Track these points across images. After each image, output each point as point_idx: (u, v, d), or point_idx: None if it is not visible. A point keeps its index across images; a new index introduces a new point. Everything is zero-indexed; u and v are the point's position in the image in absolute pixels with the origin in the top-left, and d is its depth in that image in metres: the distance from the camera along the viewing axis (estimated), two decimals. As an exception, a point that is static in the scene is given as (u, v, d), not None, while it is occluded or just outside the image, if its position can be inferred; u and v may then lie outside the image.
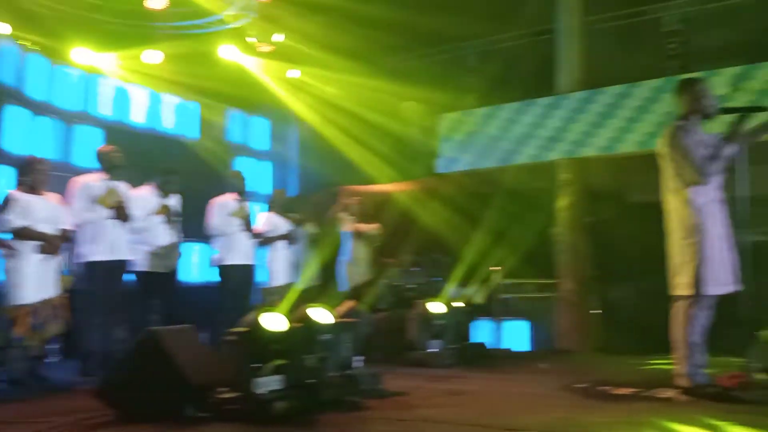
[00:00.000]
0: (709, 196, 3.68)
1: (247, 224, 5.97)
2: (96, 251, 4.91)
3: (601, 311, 7.69)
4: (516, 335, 7.35)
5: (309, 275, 6.79)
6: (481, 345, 6.03)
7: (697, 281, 3.58)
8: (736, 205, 3.76)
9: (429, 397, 3.84)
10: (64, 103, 7.01)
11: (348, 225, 7.10)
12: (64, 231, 4.72)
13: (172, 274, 5.64)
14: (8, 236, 4.50)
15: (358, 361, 4.06)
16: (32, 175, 4.64)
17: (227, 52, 7.53)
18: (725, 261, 3.66)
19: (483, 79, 8.25)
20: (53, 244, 4.55)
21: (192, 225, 5.99)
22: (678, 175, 3.71)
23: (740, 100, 6.46)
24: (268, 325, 3.41)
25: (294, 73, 8.18)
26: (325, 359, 3.79)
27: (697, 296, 3.61)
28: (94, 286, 4.87)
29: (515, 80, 8.12)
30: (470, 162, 8.14)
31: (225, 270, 5.95)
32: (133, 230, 5.21)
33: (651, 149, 6.61)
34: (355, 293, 6.47)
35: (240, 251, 5.96)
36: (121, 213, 4.96)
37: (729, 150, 3.70)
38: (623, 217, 8.65)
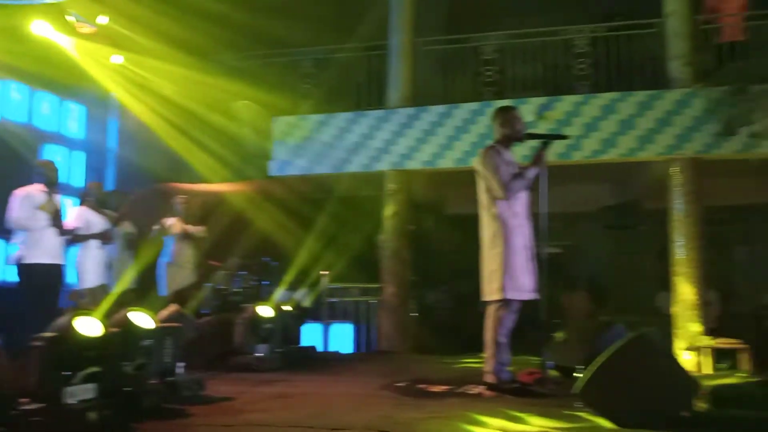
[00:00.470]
0: (515, 211, 4.10)
1: (56, 219, 5.43)
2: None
3: (419, 314, 8.18)
4: (342, 338, 7.54)
5: (126, 277, 6.34)
6: (310, 348, 6.09)
7: (504, 287, 3.97)
8: (537, 221, 4.21)
9: (255, 401, 3.80)
10: None
11: (172, 225, 6.77)
12: None
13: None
14: None
15: (180, 368, 3.91)
16: None
17: (40, 29, 6.79)
18: (527, 270, 4.10)
19: (318, 87, 8.38)
20: None
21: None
22: (488, 191, 4.11)
23: (543, 128, 7.31)
24: (81, 330, 3.15)
25: (118, 59, 7.61)
26: (144, 366, 3.60)
27: (504, 301, 4.00)
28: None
29: (349, 91, 8.36)
30: (303, 167, 8.19)
31: (27, 269, 5.35)
32: None
33: (467, 166, 7.21)
34: (178, 297, 6.19)
35: (46, 249, 5.40)
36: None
37: (532, 172, 4.16)
38: (441, 227, 9.29)
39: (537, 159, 4.18)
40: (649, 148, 7.39)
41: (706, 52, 7.60)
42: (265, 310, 5.37)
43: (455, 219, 8.83)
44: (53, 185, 5.53)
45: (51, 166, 5.61)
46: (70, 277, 5.93)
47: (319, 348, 6.77)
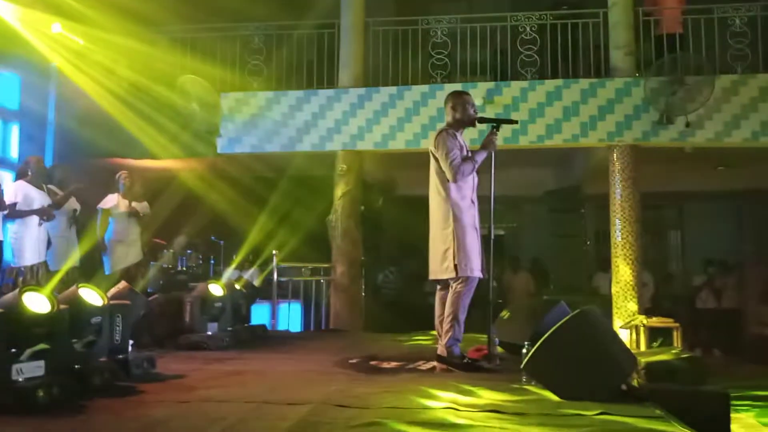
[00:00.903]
0: (464, 193, 4.19)
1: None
2: None
3: (369, 293, 8.27)
4: (293, 317, 7.56)
5: (70, 255, 6.15)
6: (261, 327, 6.08)
7: (459, 265, 4.06)
8: (484, 204, 4.32)
9: (208, 378, 3.79)
10: None
11: (118, 202, 6.59)
12: None
13: None
14: None
15: (130, 345, 3.85)
16: None
17: (-28, -5, 6.43)
18: (478, 250, 4.21)
19: (269, 63, 8.26)
20: None
21: None
22: (439, 173, 4.18)
23: (491, 112, 7.47)
24: (29, 306, 3.07)
25: (57, 27, 7.26)
26: (94, 343, 3.53)
27: (463, 278, 4.09)
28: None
29: (300, 69, 8.28)
30: (253, 145, 8.10)
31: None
32: None
33: (418, 148, 7.29)
34: (126, 275, 6.06)
35: (-21, 225, 5.19)
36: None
37: (482, 156, 4.25)
38: (392, 208, 9.38)
39: (487, 143, 4.27)
40: (591, 134, 7.66)
41: (647, 43, 7.91)
42: (215, 289, 5.32)
43: (405, 200, 8.94)
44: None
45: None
46: (7, 254, 5.70)
47: (269, 327, 6.76)
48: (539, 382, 3.42)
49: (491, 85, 7.89)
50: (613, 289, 7.48)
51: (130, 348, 3.83)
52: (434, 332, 4.47)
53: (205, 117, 7.85)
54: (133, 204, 6.63)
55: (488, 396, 3.27)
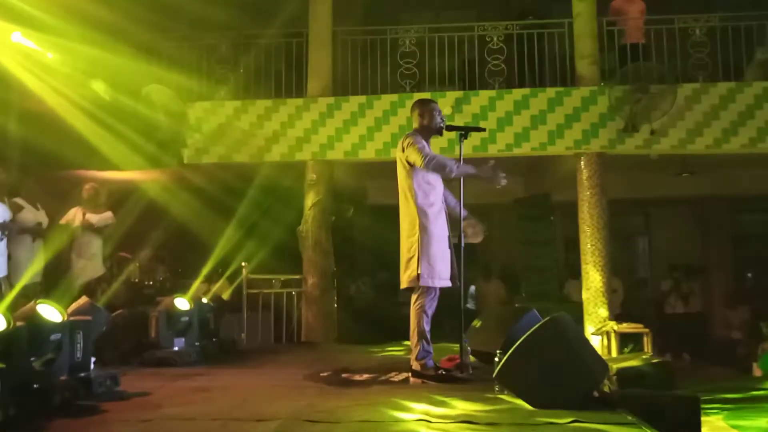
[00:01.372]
0: (431, 201, 4.15)
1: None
2: None
3: (341, 305, 8.19)
4: (264, 329, 7.43)
5: (31, 270, 5.96)
6: (230, 341, 5.96)
7: (421, 275, 4.00)
8: (453, 213, 4.28)
9: (173, 395, 3.68)
10: None
11: (80, 214, 6.42)
12: None
13: None
14: None
15: (92, 363, 3.72)
16: None
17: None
18: (445, 258, 4.16)
19: (236, 72, 8.17)
20: None
21: None
22: (407, 179, 4.11)
23: (460, 121, 7.49)
24: (-17, 325, 2.94)
25: (17, 36, 7.05)
26: (53, 361, 3.40)
27: (422, 288, 4.04)
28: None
29: (268, 78, 8.21)
30: (221, 155, 7.98)
31: None
32: None
33: (388, 158, 7.27)
34: (88, 290, 5.88)
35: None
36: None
37: (471, 168, 4.11)
38: (363, 218, 9.33)
39: (488, 171, 4.12)
40: (558, 142, 7.74)
41: (611, 53, 8.05)
42: (181, 303, 5.19)
43: (376, 210, 8.89)
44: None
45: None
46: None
47: (239, 341, 6.63)
48: (511, 390, 3.40)
49: (459, 94, 7.93)
50: (584, 296, 7.54)
51: (92, 365, 3.70)
52: (408, 342, 4.42)
53: (171, 127, 7.70)
54: (87, 216, 6.44)
55: (461, 406, 3.24)
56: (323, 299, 7.67)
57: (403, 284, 4.13)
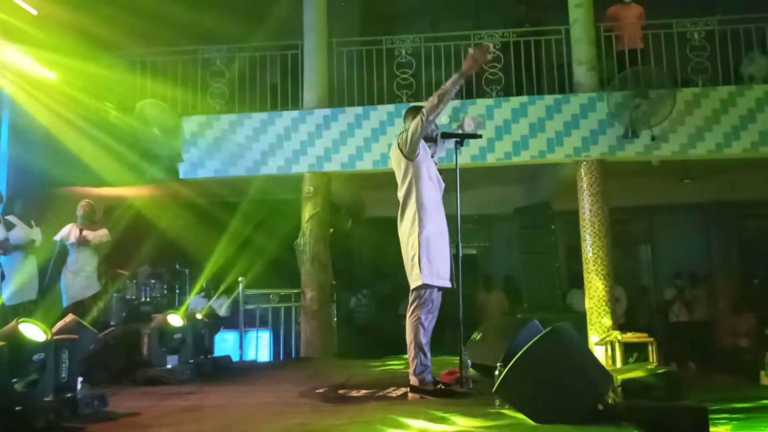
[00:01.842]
0: (432, 197, 4.03)
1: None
2: None
3: (341, 318, 8.06)
4: (260, 346, 7.30)
5: (22, 289, 5.86)
6: (225, 358, 5.83)
7: (422, 272, 3.85)
8: (452, 223, 4.17)
9: (163, 415, 3.56)
10: None
11: (76, 230, 6.33)
12: None
13: None
14: None
15: (79, 382, 3.61)
16: None
17: None
18: (444, 256, 4.01)
19: (231, 85, 8.11)
20: None
21: None
22: (406, 176, 3.98)
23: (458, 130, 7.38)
24: (-38, 346, 2.83)
25: (7, 51, 6.99)
26: (37, 382, 3.29)
27: (424, 287, 3.88)
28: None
29: (264, 90, 8.15)
30: (216, 169, 7.90)
31: None
32: None
33: (386, 168, 7.16)
34: (77, 307, 5.78)
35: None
36: None
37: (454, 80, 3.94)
38: (361, 230, 9.23)
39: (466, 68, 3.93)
40: (558, 150, 7.65)
41: (609, 59, 7.97)
42: (174, 320, 5.08)
43: (375, 222, 8.80)
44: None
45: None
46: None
47: (236, 357, 6.50)
48: (512, 405, 3.27)
49: (457, 103, 7.84)
50: (587, 305, 7.40)
51: (78, 385, 3.59)
52: (407, 356, 4.29)
53: (167, 142, 7.64)
54: (84, 233, 6.36)
55: (461, 422, 3.12)
56: (322, 313, 7.54)
57: (414, 284, 3.95)
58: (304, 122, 7.91)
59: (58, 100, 7.13)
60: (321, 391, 4.29)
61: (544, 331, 3.35)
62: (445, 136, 4.31)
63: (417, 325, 3.91)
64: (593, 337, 7.14)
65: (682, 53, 7.73)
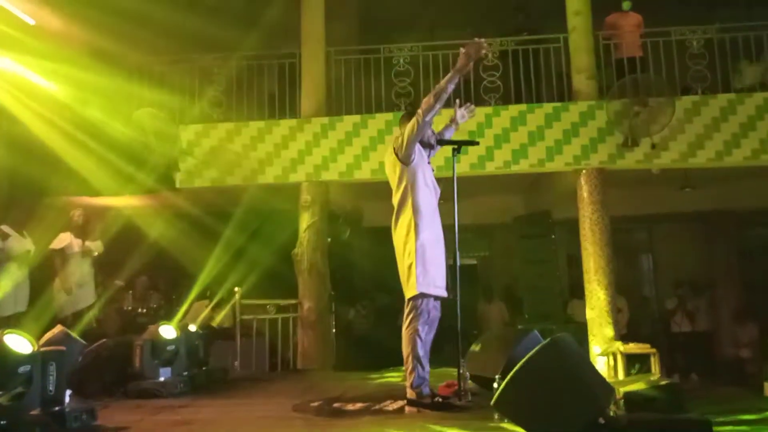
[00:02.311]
0: (428, 203, 3.95)
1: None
2: None
3: (339, 330, 7.96)
4: (257, 357, 7.20)
5: (15, 299, 5.79)
6: (221, 370, 5.74)
7: (418, 281, 3.76)
8: (449, 233, 4.09)
9: (154, 429, 3.48)
10: None
11: (71, 241, 6.27)
12: None
13: None
14: None
15: (67, 395, 3.52)
16: None
17: None
18: (439, 264, 3.92)
19: (228, 94, 8.06)
20: None
21: None
22: (401, 182, 3.89)
23: (456, 137, 7.32)
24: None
25: (2, 61, 6.94)
26: (23, 395, 3.20)
27: (421, 296, 3.79)
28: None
29: (261, 99, 8.10)
30: (214, 178, 7.84)
31: None
32: None
33: (384, 178, 7.10)
34: (71, 318, 5.70)
35: None
36: None
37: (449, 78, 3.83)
38: (359, 240, 9.15)
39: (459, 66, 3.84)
40: (557, 158, 7.59)
41: (608, 67, 7.93)
42: (167, 331, 4.98)
43: (373, 232, 8.71)
44: None
45: None
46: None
47: (231, 369, 6.40)
48: (511, 419, 3.18)
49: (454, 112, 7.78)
50: (589, 315, 7.31)
51: (67, 398, 3.50)
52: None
53: (163, 151, 7.57)
54: (87, 243, 6.32)
55: (457, 437, 3.03)
56: (320, 324, 7.44)
57: (409, 294, 3.86)
58: (302, 131, 7.86)
59: (53, 110, 7.08)
60: (316, 404, 4.19)
61: (543, 343, 3.27)
62: (442, 143, 4.25)
63: (414, 337, 3.82)
64: (595, 348, 7.04)
65: (681, 61, 7.69)
